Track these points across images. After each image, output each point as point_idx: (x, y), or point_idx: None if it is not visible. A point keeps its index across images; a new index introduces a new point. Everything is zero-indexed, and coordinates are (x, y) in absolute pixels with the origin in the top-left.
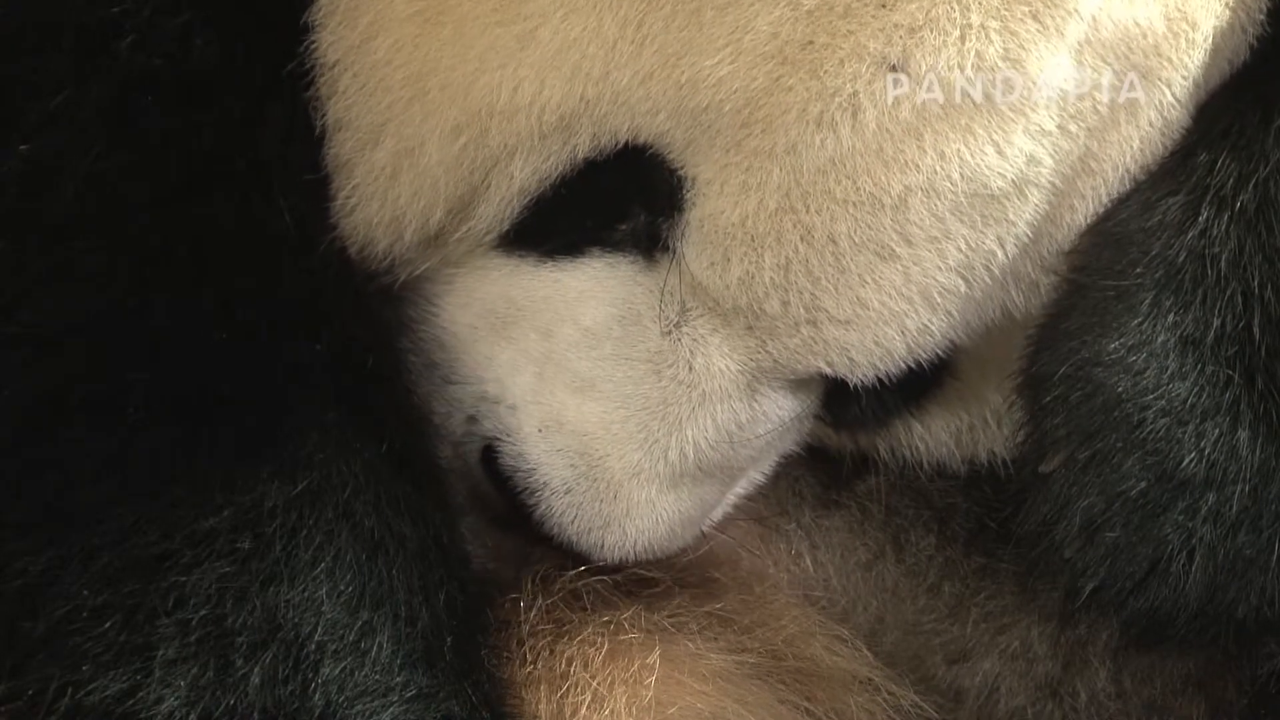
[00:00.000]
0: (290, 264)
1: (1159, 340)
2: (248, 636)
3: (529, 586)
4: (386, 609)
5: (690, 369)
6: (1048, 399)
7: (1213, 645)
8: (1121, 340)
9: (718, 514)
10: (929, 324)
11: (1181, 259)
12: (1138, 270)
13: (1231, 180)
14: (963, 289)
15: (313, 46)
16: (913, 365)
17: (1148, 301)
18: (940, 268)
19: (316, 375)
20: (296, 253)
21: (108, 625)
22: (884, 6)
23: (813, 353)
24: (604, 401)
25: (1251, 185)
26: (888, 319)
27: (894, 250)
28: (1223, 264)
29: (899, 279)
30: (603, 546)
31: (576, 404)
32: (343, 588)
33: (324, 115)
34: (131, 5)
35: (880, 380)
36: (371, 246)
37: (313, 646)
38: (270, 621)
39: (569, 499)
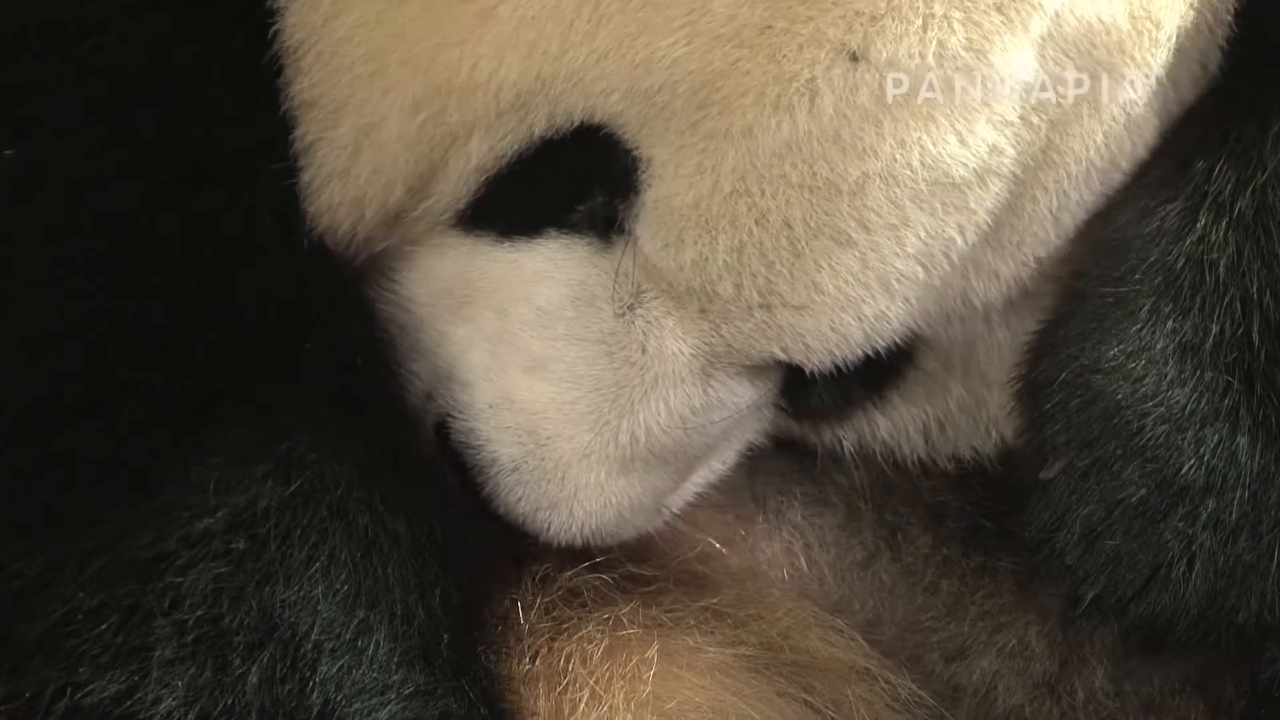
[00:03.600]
0: (278, 262)
1: (1158, 347)
2: (244, 636)
3: (528, 585)
4: (382, 607)
5: (643, 351)
6: (1047, 406)
7: (1214, 650)
8: (1121, 347)
9: (676, 503)
10: (886, 311)
11: (1180, 265)
12: (1136, 277)
13: (1229, 186)
14: (921, 276)
15: (279, 30)
16: (870, 353)
17: (1147, 308)
18: (898, 254)
19: (307, 374)
20: (284, 250)
21: (104, 627)
22: None
23: (767, 337)
24: (555, 382)
25: (1249, 191)
26: (844, 305)
27: (851, 236)
28: (1221, 270)
29: (856, 265)
30: (550, 527)
31: (528, 383)
32: (338, 586)
33: (291, 98)
34: (107, 3)
35: (838, 368)
36: (335, 228)
37: (310, 645)
38: (267, 621)
39: (516, 477)
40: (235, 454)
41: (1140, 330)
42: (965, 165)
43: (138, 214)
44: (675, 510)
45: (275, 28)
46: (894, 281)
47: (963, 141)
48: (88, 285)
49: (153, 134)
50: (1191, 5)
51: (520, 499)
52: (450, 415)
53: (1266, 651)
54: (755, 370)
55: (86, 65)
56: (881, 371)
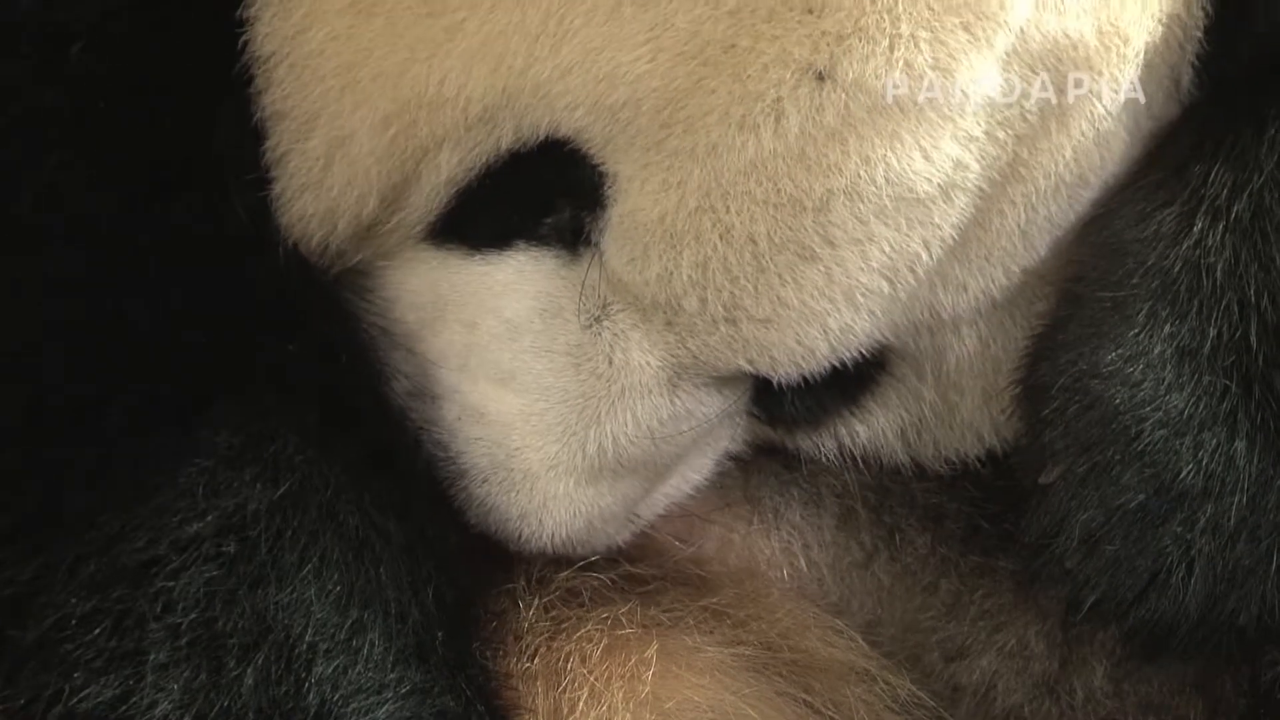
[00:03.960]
0: (258, 264)
1: (1156, 351)
2: (239, 639)
3: (526, 584)
4: (376, 606)
5: (610, 363)
6: (1046, 411)
7: (1215, 654)
8: (1119, 351)
9: (649, 512)
10: (851, 324)
11: (1177, 269)
12: (1134, 281)
13: (1226, 190)
14: (886, 290)
15: (250, 39)
16: (838, 364)
17: (1144, 312)
18: (863, 269)
19: (293, 375)
20: (264, 252)
21: (97, 632)
22: (810, 13)
23: (732, 351)
24: (524, 394)
25: (1246, 195)
26: (809, 318)
27: (815, 251)
28: (1218, 274)
29: (820, 279)
30: (520, 537)
31: (497, 395)
32: (330, 587)
33: (262, 108)
34: (81, 10)
35: (807, 379)
36: (306, 240)
37: (304, 646)
38: (260, 623)
39: (486, 488)
40: (224, 457)
41: (1138, 334)
42: (930, 181)
43: (120, 218)
44: (649, 518)
45: (245, 37)
46: (859, 295)
47: (927, 157)
48: (65, 291)
49: (122, 140)
50: (1160, 21)
51: (491, 510)
52: (423, 428)
53: (1267, 654)
54: (723, 381)
55: (56, 71)
56: (853, 380)
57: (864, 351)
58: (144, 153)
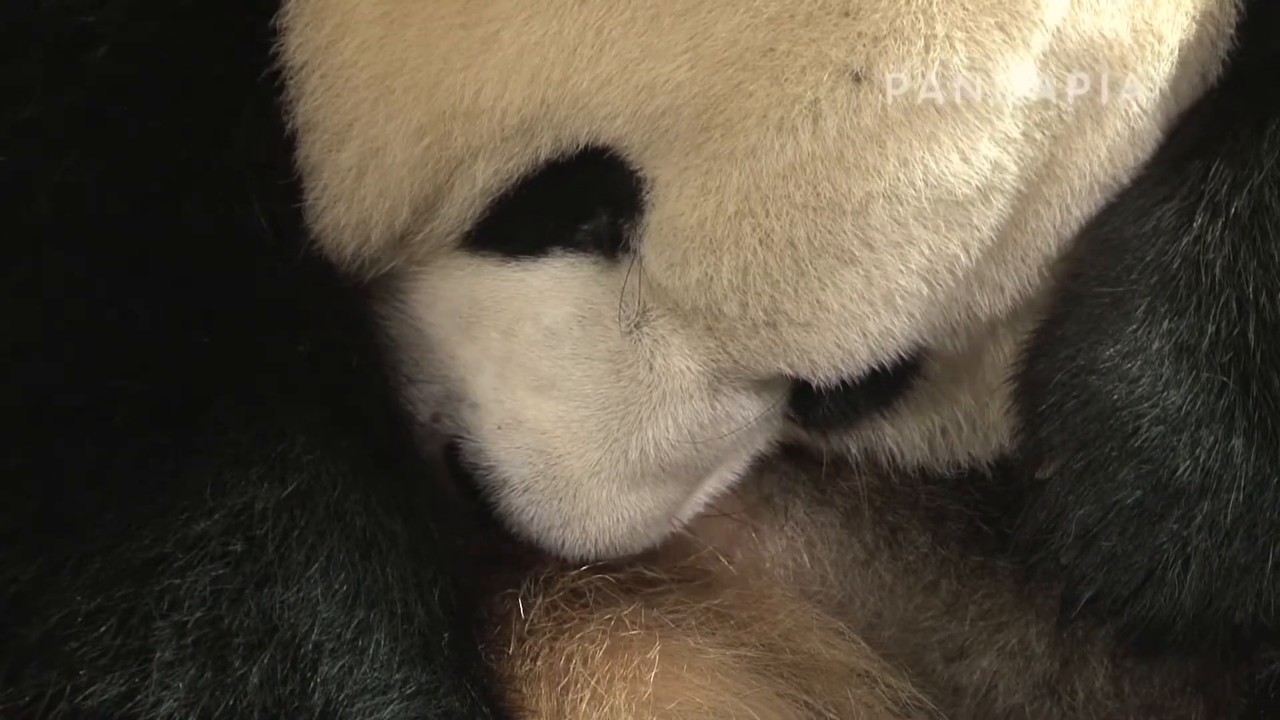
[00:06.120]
0: (269, 266)
1: (1154, 347)
2: (245, 637)
3: (530, 585)
4: (382, 606)
5: (650, 369)
6: (1043, 406)
7: (1210, 651)
8: (1116, 347)
9: (687, 514)
10: (891, 327)
11: (1176, 265)
12: (1132, 277)
13: (1225, 186)
14: (925, 292)
15: (282, 49)
16: (876, 367)
17: (1142, 308)
18: (902, 272)
19: (301, 376)
20: (275, 255)
21: (103, 630)
22: (847, 15)
23: (773, 354)
24: (564, 401)
25: (1245, 191)
26: (848, 322)
27: (855, 255)
28: (1217, 270)
29: (860, 283)
30: (563, 545)
31: (536, 403)
32: (337, 587)
33: (294, 117)
34: (104, 14)
35: (845, 381)
36: (340, 248)
37: (310, 646)
38: (266, 622)
39: (528, 497)
40: (231, 456)
41: (1136, 331)
42: (968, 183)
43: (122, 220)
44: (686, 520)
45: (278, 46)
46: (898, 298)
47: (965, 159)
48: (73, 291)
49: (146, 140)
50: (1194, 19)
51: (533, 518)
52: (459, 437)
53: (1263, 652)
54: (763, 384)
55: (73, 72)
56: (889, 383)
57: (901, 354)
58: (158, 156)
